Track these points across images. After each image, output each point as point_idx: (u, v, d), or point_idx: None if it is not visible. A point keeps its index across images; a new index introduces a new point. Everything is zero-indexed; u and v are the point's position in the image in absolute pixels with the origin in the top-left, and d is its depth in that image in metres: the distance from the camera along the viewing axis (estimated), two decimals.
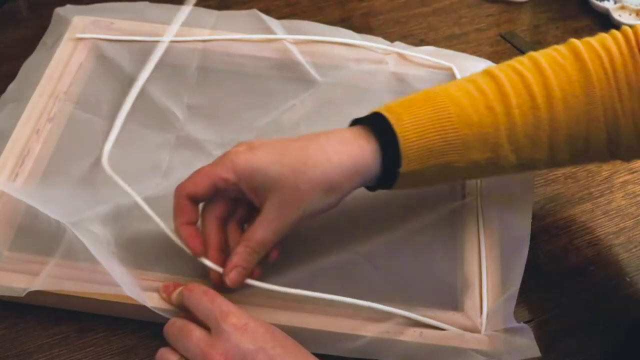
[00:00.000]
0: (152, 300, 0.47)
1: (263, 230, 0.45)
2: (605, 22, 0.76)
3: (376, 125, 0.46)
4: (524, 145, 0.47)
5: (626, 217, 0.59)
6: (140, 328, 0.48)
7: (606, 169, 0.62)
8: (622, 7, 0.77)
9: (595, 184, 0.61)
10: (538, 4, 0.78)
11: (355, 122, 0.48)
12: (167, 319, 0.46)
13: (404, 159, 0.45)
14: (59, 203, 0.51)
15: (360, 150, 0.45)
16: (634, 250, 0.57)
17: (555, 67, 0.47)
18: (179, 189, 0.46)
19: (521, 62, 0.48)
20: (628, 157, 0.51)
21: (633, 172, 0.62)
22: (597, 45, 0.48)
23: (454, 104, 0.46)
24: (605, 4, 0.77)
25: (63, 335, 0.49)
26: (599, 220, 0.58)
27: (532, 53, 0.49)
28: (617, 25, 0.53)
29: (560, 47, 0.49)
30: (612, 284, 0.55)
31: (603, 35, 0.49)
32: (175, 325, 0.44)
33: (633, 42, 0.47)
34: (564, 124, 0.47)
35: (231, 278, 0.46)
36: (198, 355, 0.41)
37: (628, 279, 0.55)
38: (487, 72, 0.49)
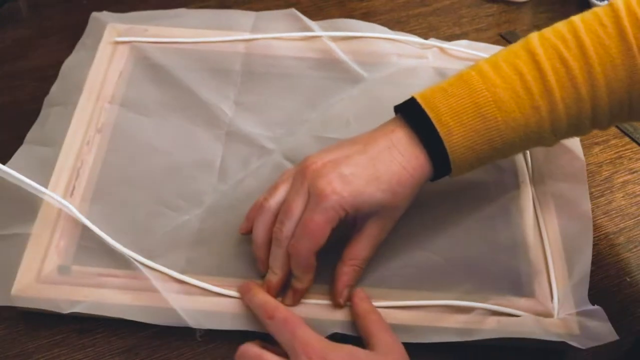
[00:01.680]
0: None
1: (367, 247, 0.49)
2: None
3: (425, 133, 0.47)
4: (566, 132, 0.50)
5: (626, 217, 0.59)
6: (141, 328, 0.48)
7: (606, 169, 0.62)
8: None
9: (595, 184, 0.61)
10: (538, 4, 0.78)
11: (403, 114, 0.49)
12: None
13: (454, 169, 0.49)
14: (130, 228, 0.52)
15: (420, 161, 0.48)
16: (634, 250, 0.57)
17: (600, 52, 0.46)
18: (304, 251, 0.46)
19: (567, 47, 0.47)
20: None
21: (633, 172, 0.62)
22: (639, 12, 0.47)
23: (501, 110, 0.47)
24: (605, 4, 0.77)
25: (63, 335, 0.49)
26: (599, 220, 0.58)
27: (577, 27, 0.48)
28: None
29: (607, 23, 0.47)
30: (612, 284, 0.55)
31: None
32: (248, 354, 0.44)
33: None
34: (607, 108, 0.48)
35: (345, 297, 0.49)
36: None
37: (628, 279, 0.55)
38: (532, 58, 0.47)
